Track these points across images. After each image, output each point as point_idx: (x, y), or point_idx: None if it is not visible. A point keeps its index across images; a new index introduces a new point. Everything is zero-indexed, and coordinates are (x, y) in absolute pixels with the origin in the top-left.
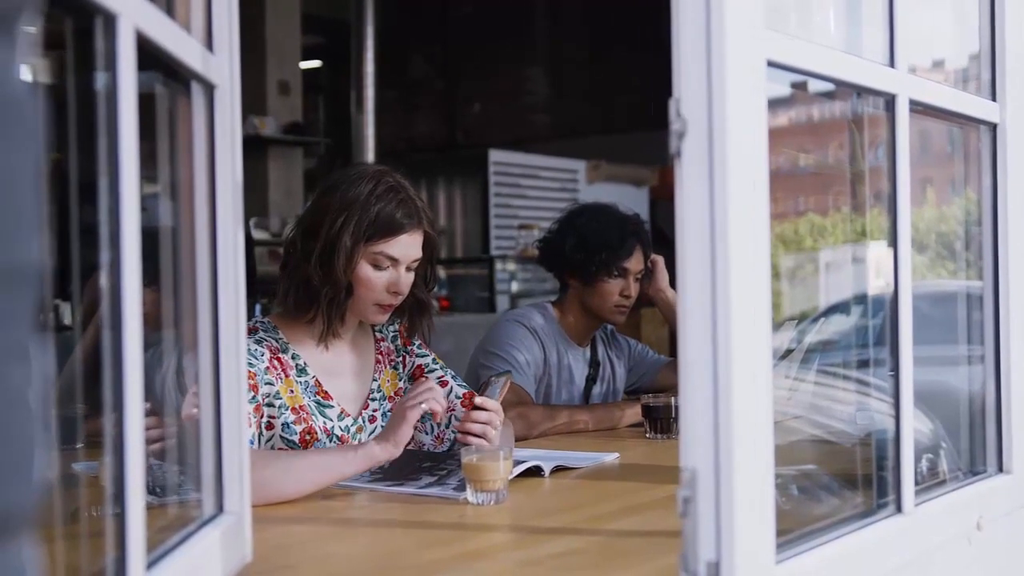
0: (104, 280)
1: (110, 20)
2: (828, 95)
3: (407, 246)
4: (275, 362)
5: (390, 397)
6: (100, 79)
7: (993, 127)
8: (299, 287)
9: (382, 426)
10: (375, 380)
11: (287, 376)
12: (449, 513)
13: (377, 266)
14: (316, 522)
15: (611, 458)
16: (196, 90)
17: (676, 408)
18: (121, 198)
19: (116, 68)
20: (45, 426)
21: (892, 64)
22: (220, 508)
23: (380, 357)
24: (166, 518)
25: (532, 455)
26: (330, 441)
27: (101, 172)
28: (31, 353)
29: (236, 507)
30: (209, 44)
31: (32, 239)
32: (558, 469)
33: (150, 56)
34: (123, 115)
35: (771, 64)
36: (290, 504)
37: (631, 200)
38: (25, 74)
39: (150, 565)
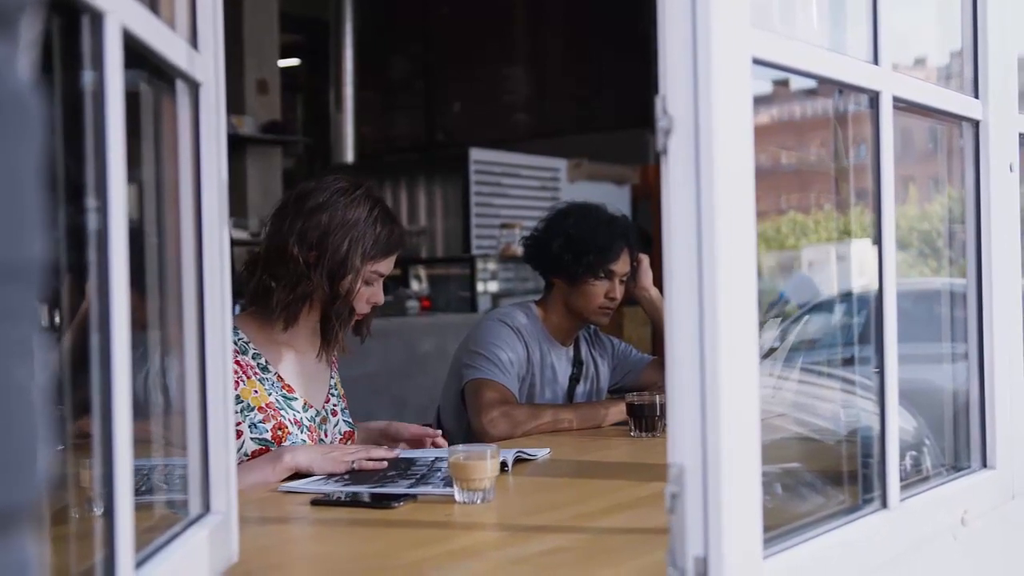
0: (91, 281)
1: (97, 18)
2: (810, 92)
3: (393, 262)
4: (234, 365)
5: (343, 395)
6: (86, 77)
7: (975, 124)
8: (301, 300)
9: (344, 420)
10: (332, 378)
11: (249, 377)
12: (436, 512)
13: (367, 282)
14: (303, 522)
15: (543, 453)
16: (181, 88)
17: (661, 406)
18: (109, 198)
19: (103, 66)
20: (47, 422)
21: (876, 61)
22: (207, 508)
23: (333, 359)
24: (152, 518)
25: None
26: (301, 432)
27: (87, 171)
28: (34, 349)
29: (223, 507)
30: (194, 42)
31: (35, 236)
32: (519, 460)
33: (135, 54)
34: (110, 113)
35: (756, 61)
36: (277, 505)
37: (612, 199)
38: (26, 71)
39: (138, 565)
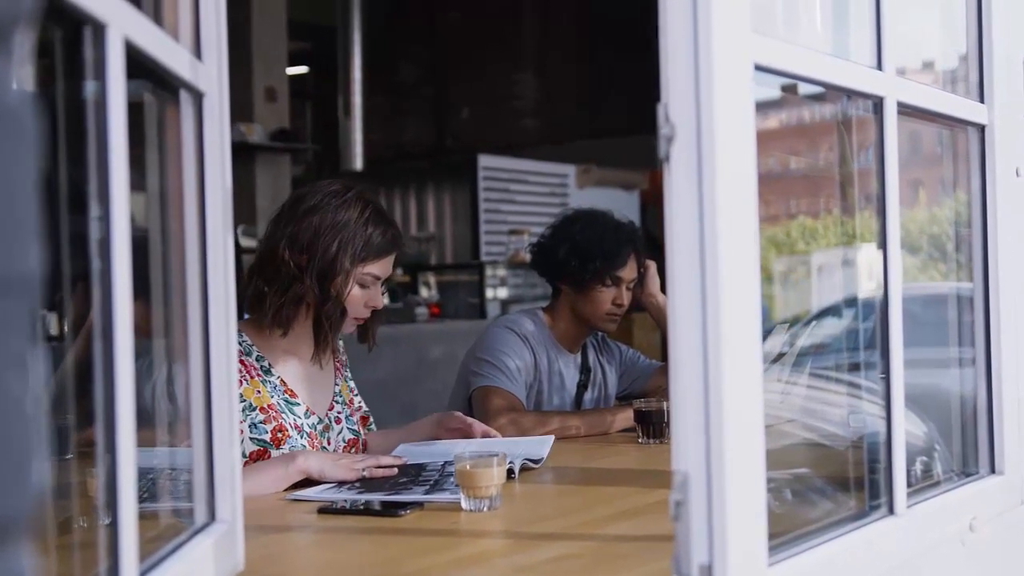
0: (94, 290)
1: (99, 29)
2: (818, 97)
3: (389, 265)
4: (238, 365)
5: (348, 403)
6: (89, 88)
7: (981, 128)
8: (293, 303)
9: (348, 428)
10: (336, 385)
11: (252, 378)
12: (443, 520)
13: (362, 285)
14: (309, 531)
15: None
16: (184, 98)
17: (668, 412)
18: (111, 207)
19: (105, 77)
20: (42, 434)
21: (880, 67)
22: (212, 517)
23: (338, 365)
24: (157, 526)
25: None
26: (300, 437)
27: (90, 181)
28: (29, 362)
29: (228, 516)
30: (197, 52)
31: (30, 248)
32: (526, 468)
33: (138, 64)
34: (112, 124)
35: (759, 68)
36: (283, 513)
37: (621, 204)
38: (22, 84)
39: (143, 574)
